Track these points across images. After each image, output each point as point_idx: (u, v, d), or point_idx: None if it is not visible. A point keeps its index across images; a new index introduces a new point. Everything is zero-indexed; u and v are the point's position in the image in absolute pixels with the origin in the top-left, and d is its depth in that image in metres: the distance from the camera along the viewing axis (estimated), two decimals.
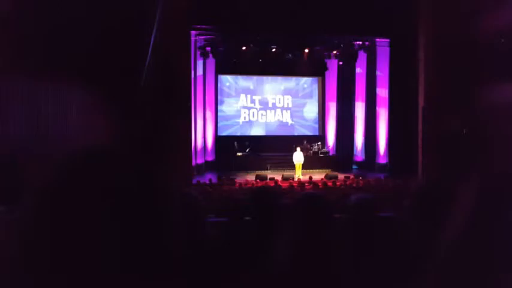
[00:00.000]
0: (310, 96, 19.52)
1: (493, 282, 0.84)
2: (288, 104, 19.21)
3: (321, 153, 17.37)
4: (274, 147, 17.25)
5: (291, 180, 13.07)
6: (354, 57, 17.02)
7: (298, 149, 15.19)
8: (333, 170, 15.86)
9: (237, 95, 18.76)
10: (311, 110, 19.49)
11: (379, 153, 16.24)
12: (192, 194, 2.12)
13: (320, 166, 16.44)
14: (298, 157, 14.85)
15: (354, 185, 11.34)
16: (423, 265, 1.01)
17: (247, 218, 2.18)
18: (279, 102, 19.16)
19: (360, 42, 16.35)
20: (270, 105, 19.05)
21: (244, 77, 18.75)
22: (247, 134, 18.50)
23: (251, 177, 13.97)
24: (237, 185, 11.65)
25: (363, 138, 17.31)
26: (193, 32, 13.87)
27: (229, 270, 1.75)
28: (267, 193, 2.27)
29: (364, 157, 17.22)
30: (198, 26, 13.75)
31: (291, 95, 19.24)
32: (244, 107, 18.83)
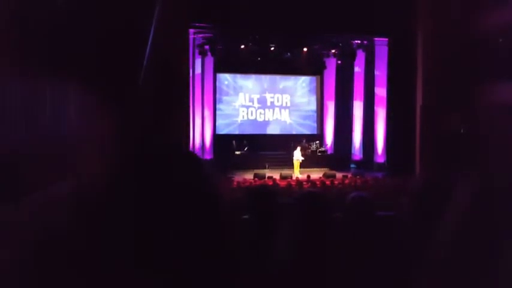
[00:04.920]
0: (309, 95, 19.51)
1: (492, 281, 0.85)
2: (286, 102, 19.20)
3: (319, 152, 17.37)
4: (273, 146, 17.24)
5: (289, 179, 13.08)
6: (353, 56, 17.02)
7: (299, 147, 15.26)
8: (331, 168, 15.87)
9: (236, 94, 18.74)
10: (309, 109, 19.48)
11: (377, 152, 16.26)
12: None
13: (318, 165, 16.44)
14: (298, 155, 14.93)
15: (352, 183, 11.34)
16: (421, 264, 1.01)
17: (245, 216, 2.19)
18: (278, 101, 19.14)
19: (359, 41, 16.35)
20: (269, 103, 19.03)
21: (243, 75, 18.72)
22: (245, 132, 18.49)
23: (249, 175, 13.97)
24: (235, 183, 11.64)
25: (361, 137, 17.31)
26: (191, 30, 13.84)
27: (229, 270, 1.76)
28: (266, 192, 2.27)
29: (362, 156, 17.22)
30: (197, 24, 13.72)
31: (289, 94, 19.22)
32: (243, 106, 18.80)
